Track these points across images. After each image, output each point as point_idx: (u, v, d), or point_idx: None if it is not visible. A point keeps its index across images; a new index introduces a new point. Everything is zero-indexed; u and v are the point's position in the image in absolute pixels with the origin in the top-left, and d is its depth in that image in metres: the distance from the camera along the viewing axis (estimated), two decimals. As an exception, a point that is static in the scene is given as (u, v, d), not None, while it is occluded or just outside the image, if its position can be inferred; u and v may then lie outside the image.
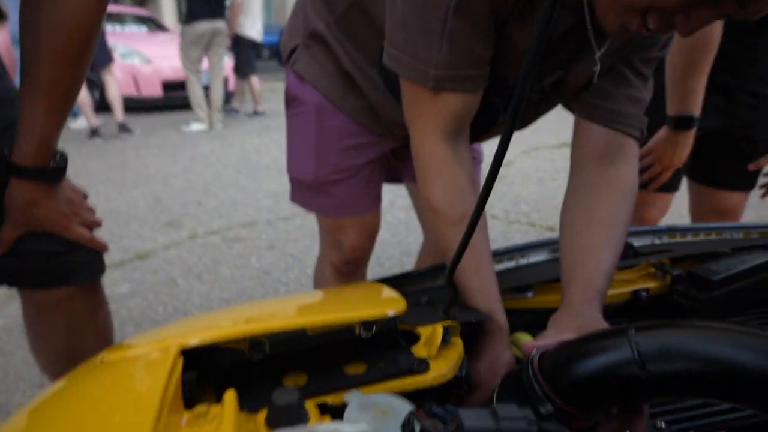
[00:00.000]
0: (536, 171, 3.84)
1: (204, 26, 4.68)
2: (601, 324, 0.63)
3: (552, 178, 3.61)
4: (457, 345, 0.58)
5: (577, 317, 0.65)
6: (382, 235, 2.66)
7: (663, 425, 0.55)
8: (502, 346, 0.67)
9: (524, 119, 0.87)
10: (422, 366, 0.52)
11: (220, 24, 4.79)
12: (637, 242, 0.99)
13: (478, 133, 0.85)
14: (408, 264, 2.34)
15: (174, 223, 2.83)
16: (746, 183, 1.36)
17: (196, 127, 5.20)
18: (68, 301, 0.91)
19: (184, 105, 5.59)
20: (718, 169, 1.38)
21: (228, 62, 6.53)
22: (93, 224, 0.87)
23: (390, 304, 0.56)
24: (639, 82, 0.76)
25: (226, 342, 0.48)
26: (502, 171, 3.83)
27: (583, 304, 0.66)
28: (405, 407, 0.44)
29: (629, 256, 0.92)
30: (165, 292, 2.09)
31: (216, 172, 3.80)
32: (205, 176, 3.68)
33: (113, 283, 2.14)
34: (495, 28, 0.65)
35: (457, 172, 0.70)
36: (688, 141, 1.21)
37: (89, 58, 0.69)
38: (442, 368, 0.53)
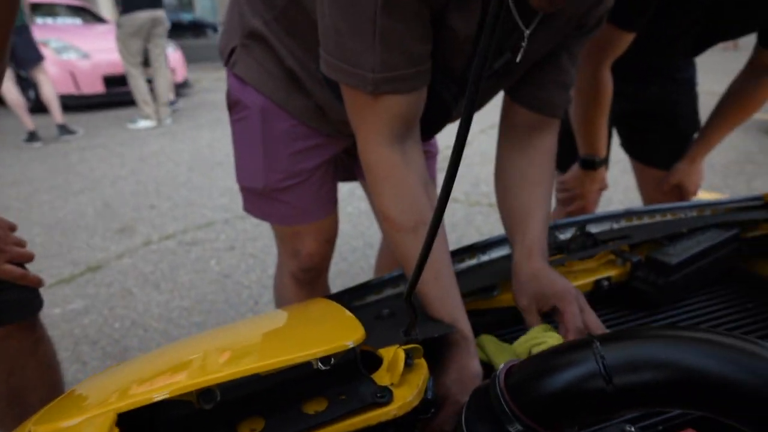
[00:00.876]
0: (494, 149, 3.82)
1: (143, 16, 4.42)
2: (556, 276, 0.73)
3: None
4: (421, 367, 0.55)
5: (539, 277, 0.73)
6: (344, 228, 2.63)
7: (632, 429, 0.54)
8: (468, 356, 0.65)
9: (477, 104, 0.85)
10: (385, 396, 0.49)
11: (159, 13, 4.54)
12: (595, 229, 0.99)
13: (432, 130, 0.82)
14: (371, 256, 2.31)
15: (126, 229, 2.70)
16: (673, 162, 1.38)
17: (143, 124, 4.96)
18: (3, 341, 0.85)
19: (129, 101, 5.31)
20: (648, 147, 1.42)
21: (174, 52, 6.25)
22: (24, 258, 0.80)
23: (348, 332, 0.53)
24: (570, 66, 0.78)
25: (173, 396, 0.44)
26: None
27: (541, 260, 0.76)
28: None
29: (589, 245, 0.92)
30: (121, 305, 2.00)
31: (167, 171, 3.64)
32: (156, 176, 3.53)
33: (64, 301, 2.03)
34: (431, 20, 0.62)
35: (407, 177, 0.67)
36: (597, 177, 1.34)
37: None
38: (406, 396, 0.50)
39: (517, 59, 0.69)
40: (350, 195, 2.96)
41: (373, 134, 0.66)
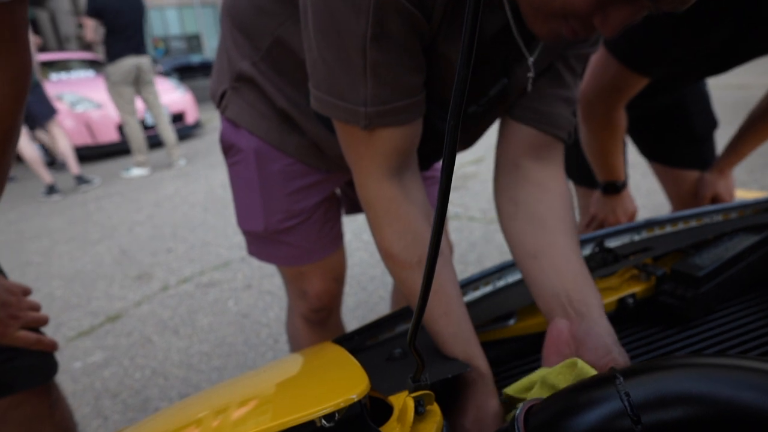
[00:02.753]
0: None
1: (128, 63, 4.44)
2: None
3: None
4: (434, 414, 0.51)
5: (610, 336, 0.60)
6: (361, 256, 2.60)
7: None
8: (485, 395, 0.61)
9: (473, 134, 0.81)
10: (396, 452, 0.45)
11: (143, 60, 4.56)
12: (614, 243, 0.95)
13: (429, 160, 0.79)
14: (390, 284, 2.27)
15: (144, 275, 2.71)
16: (696, 162, 1.33)
17: (136, 172, 4.97)
18: (18, 409, 0.83)
19: (151, 144, 5.43)
20: (664, 148, 1.38)
21: (184, 94, 6.39)
22: (38, 323, 0.79)
23: (352, 384, 0.49)
24: (571, 81, 0.73)
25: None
26: (473, 168, 3.80)
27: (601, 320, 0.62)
28: None
29: (609, 261, 0.88)
30: (141, 354, 1.99)
31: (183, 213, 3.68)
32: (172, 220, 3.56)
33: (85, 353, 2.02)
34: (422, 49, 0.60)
35: (407, 212, 0.64)
36: (624, 199, 1.27)
37: (10, 156, 0.64)
38: (420, 449, 0.46)
39: (528, 89, 0.67)
40: (366, 223, 2.94)
41: (369, 169, 0.64)
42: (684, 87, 1.26)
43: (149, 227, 3.46)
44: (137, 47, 4.47)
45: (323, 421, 0.47)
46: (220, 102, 0.90)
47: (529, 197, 0.72)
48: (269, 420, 0.44)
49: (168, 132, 5.02)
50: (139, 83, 4.64)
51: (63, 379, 1.85)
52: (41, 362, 0.84)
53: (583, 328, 0.61)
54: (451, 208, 3.09)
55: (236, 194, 0.95)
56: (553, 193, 0.72)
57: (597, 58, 1.06)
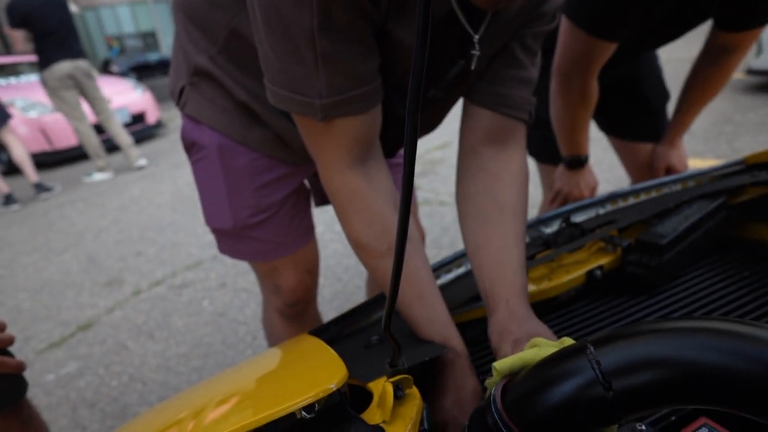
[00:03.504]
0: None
1: (63, 67, 4.22)
2: (541, 326, 0.63)
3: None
4: (414, 397, 0.52)
5: (525, 322, 0.62)
6: (335, 247, 2.59)
7: (644, 428, 0.51)
8: (463, 375, 0.62)
9: (435, 118, 0.81)
10: (378, 437, 0.46)
11: (81, 63, 4.34)
12: (580, 217, 0.97)
13: (393, 147, 0.79)
14: (365, 273, 2.27)
15: (114, 281, 2.64)
16: (650, 134, 1.38)
17: (98, 176, 4.81)
18: None
19: (109, 147, 5.25)
20: (620, 122, 1.42)
21: (143, 94, 6.20)
22: (1, 344, 0.76)
23: (330, 374, 0.49)
24: (528, 61, 0.73)
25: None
26: (440, 154, 3.82)
27: (522, 306, 0.65)
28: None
29: (576, 235, 0.90)
30: (117, 361, 1.94)
31: (150, 215, 3.59)
32: (139, 222, 3.47)
33: (57, 365, 1.97)
34: (374, 34, 0.59)
35: (374, 201, 0.64)
36: (587, 173, 1.30)
37: None
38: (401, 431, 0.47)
39: (472, 67, 0.67)
40: (336, 213, 2.92)
41: (331, 160, 0.64)
42: (643, 53, 1.29)
43: (116, 232, 3.36)
44: (70, 50, 4.24)
45: (303, 412, 0.47)
46: (179, 99, 0.87)
47: (480, 190, 0.73)
48: (249, 416, 0.44)
49: (121, 135, 4.81)
50: (81, 87, 4.43)
51: (36, 393, 1.79)
52: (7, 385, 0.80)
53: (491, 330, 0.65)
54: (421, 194, 3.10)
55: (202, 192, 0.93)
56: (505, 182, 0.73)
57: (564, 32, 1.08)
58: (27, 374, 0.83)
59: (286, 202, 0.92)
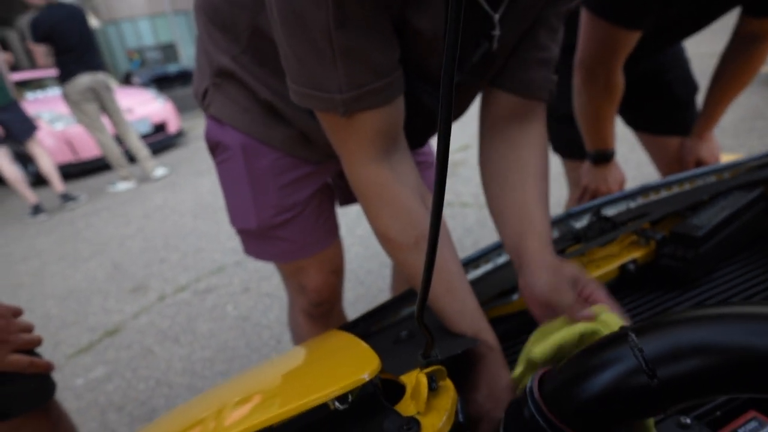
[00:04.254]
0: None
1: (83, 81, 4.31)
2: (573, 268, 0.64)
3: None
4: (448, 389, 0.50)
5: (555, 270, 0.64)
6: (357, 251, 2.59)
7: (689, 421, 0.49)
8: (497, 368, 0.60)
9: (461, 105, 0.80)
10: (412, 428, 0.45)
11: (100, 76, 4.43)
12: (611, 211, 0.94)
13: (420, 138, 0.78)
14: (388, 276, 2.27)
15: (139, 288, 2.68)
16: (679, 128, 1.34)
17: (122, 186, 4.91)
18: None
19: (129, 157, 5.36)
20: (649, 116, 1.39)
21: (164, 104, 6.31)
22: (31, 344, 0.77)
23: (362, 364, 0.48)
24: (552, 42, 0.72)
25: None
26: (461, 156, 3.80)
27: (551, 255, 0.67)
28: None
29: (607, 229, 0.88)
30: (143, 365, 1.96)
31: (173, 223, 3.64)
32: (162, 230, 3.53)
33: (86, 370, 2.00)
34: (393, 25, 0.58)
35: (400, 193, 0.63)
36: (614, 168, 1.29)
37: None
38: (436, 423, 0.46)
39: (493, 47, 0.66)
40: (358, 217, 2.93)
41: (356, 154, 0.63)
42: (668, 46, 1.26)
43: (140, 240, 3.42)
44: (90, 64, 4.34)
45: (336, 403, 0.46)
46: (203, 100, 0.88)
47: (501, 155, 0.75)
48: (281, 406, 0.43)
49: (137, 146, 4.88)
50: (100, 99, 4.52)
51: (66, 397, 1.82)
52: (37, 385, 0.81)
53: (522, 284, 0.66)
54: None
55: (226, 193, 0.94)
56: (527, 148, 0.74)
57: (585, 24, 1.06)
58: (57, 378, 0.84)
59: (311, 201, 0.92)
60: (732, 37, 1.15)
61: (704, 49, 3.56)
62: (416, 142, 0.74)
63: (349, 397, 0.46)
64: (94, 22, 4.55)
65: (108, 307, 2.52)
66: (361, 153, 0.63)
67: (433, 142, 1.00)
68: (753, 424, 0.48)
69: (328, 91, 0.58)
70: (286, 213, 0.90)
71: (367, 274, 2.33)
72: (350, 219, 2.90)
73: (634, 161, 2.93)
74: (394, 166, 0.64)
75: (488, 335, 0.62)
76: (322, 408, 0.46)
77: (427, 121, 0.72)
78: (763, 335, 0.33)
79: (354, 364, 0.50)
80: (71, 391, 1.87)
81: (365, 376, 0.46)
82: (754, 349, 0.33)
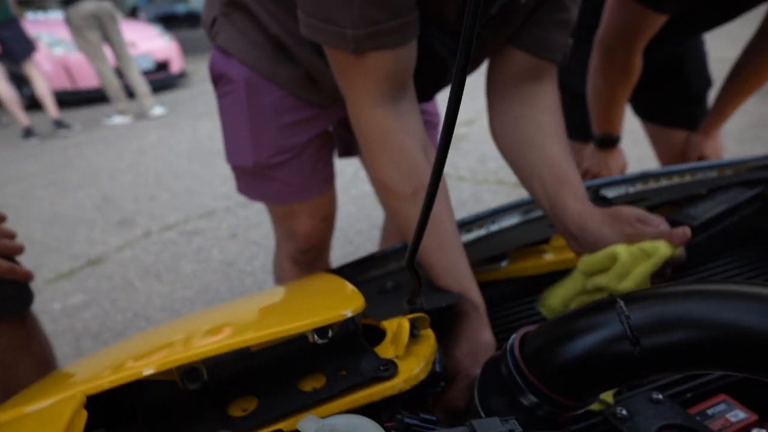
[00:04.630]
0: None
1: (87, 7, 4.17)
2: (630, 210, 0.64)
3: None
4: (428, 338, 0.50)
5: (613, 218, 0.63)
6: (348, 210, 2.58)
7: (660, 397, 0.49)
8: (479, 326, 0.60)
9: (477, 59, 0.78)
10: (389, 370, 0.44)
11: (105, 4, 4.30)
12: (610, 193, 0.94)
13: (429, 90, 0.76)
14: (378, 237, 2.26)
15: (126, 222, 2.66)
16: (688, 121, 1.33)
17: (118, 119, 4.82)
18: None
19: (129, 92, 5.25)
20: (659, 106, 1.37)
21: (170, 43, 6.15)
22: (12, 251, 0.76)
23: (346, 302, 0.48)
24: (572, 2, 0.71)
25: (150, 375, 0.40)
26: (465, 130, 3.76)
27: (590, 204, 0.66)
28: (370, 428, 0.36)
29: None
30: (123, 297, 1.97)
31: (167, 162, 3.60)
32: (155, 168, 3.48)
33: (65, 295, 2.00)
34: None
35: (403, 141, 0.62)
36: (618, 153, 1.29)
37: None
38: (413, 368, 0.46)
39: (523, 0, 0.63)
40: (354, 177, 2.91)
41: (363, 96, 0.62)
42: (690, 35, 1.24)
43: (132, 175, 3.38)
44: None
45: (316, 336, 0.45)
46: (211, 29, 0.85)
47: (518, 117, 0.73)
48: (257, 330, 0.43)
49: (138, 82, 4.78)
50: (104, 29, 4.38)
51: (42, 320, 1.82)
52: (15, 292, 0.81)
53: (578, 233, 0.65)
54: (441, 168, 3.07)
55: (225, 127, 0.92)
56: (542, 109, 0.73)
57: (612, 2, 1.03)
58: (35, 302, 0.84)
59: (310, 145, 0.91)
60: (755, 35, 1.13)
61: (720, 54, 3.52)
62: (426, 93, 0.72)
63: (330, 332, 0.46)
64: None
65: (93, 237, 2.51)
66: (368, 96, 0.61)
67: (441, 102, 0.97)
68: (722, 406, 0.48)
69: (341, 25, 0.56)
70: (284, 154, 0.88)
71: (357, 234, 2.33)
72: (345, 180, 2.88)
73: (636, 155, 2.91)
74: (401, 113, 0.63)
75: (474, 294, 0.62)
76: (302, 339, 0.46)
77: (439, 72, 0.70)
78: (750, 314, 0.33)
79: (338, 301, 0.49)
80: (48, 314, 1.87)
81: (348, 312, 0.45)
82: (739, 327, 0.33)
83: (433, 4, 0.61)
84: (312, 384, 0.45)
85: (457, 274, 0.63)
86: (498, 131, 0.76)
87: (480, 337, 0.59)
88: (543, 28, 0.70)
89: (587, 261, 0.61)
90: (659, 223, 0.61)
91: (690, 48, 1.30)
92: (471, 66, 0.79)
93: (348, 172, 2.93)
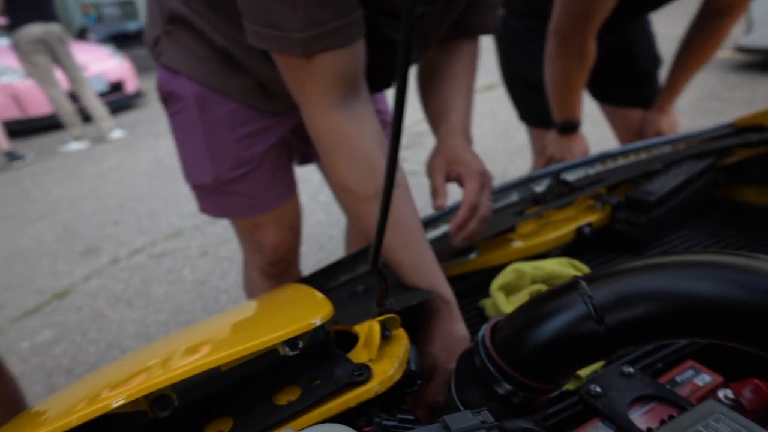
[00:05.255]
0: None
1: (34, 30, 4.02)
2: (472, 155, 0.77)
3: (478, 124, 3.60)
4: (401, 338, 0.50)
5: (456, 148, 0.76)
6: (319, 217, 2.56)
7: (631, 370, 0.50)
8: (451, 321, 0.61)
9: (427, 39, 0.78)
10: (363, 374, 0.44)
11: (53, 27, 4.15)
12: (571, 176, 0.96)
13: (384, 79, 0.75)
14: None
15: (91, 250, 2.58)
16: (641, 100, 1.37)
17: (75, 146, 4.66)
18: None
19: (85, 117, 5.09)
20: (613, 88, 1.41)
21: (122, 62, 5.98)
22: None
23: (314, 310, 0.47)
24: None
25: (116, 408, 0.38)
26: (426, 125, 3.78)
27: (463, 139, 0.79)
28: (348, 436, 0.36)
29: (566, 193, 0.89)
30: (94, 328, 1.90)
31: (129, 184, 3.51)
32: (117, 192, 3.39)
33: (32, 333, 1.92)
34: None
35: (360, 142, 0.62)
36: (580, 139, 1.31)
37: None
38: (387, 370, 0.45)
39: None
40: (321, 183, 2.88)
41: (315, 100, 0.61)
42: (639, 16, 1.28)
43: (93, 201, 3.28)
44: (42, 13, 4.05)
45: (287, 349, 0.45)
46: (155, 48, 0.84)
47: (443, 58, 0.82)
48: (226, 349, 0.42)
49: (93, 105, 4.63)
50: (53, 52, 4.24)
51: (10, 361, 1.75)
52: None
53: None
54: (408, 166, 3.08)
55: (180, 146, 0.90)
56: (461, 50, 0.82)
57: None
58: (0, 342, 0.80)
59: (269, 155, 0.89)
60: (698, 12, 1.17)
61: (669, 32, 3.64)
62: (381, 82, 0.72)
63: (300, 343, 0.45)
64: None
65: (57, 269, 2.42)
66: (321, 99, 0.61)
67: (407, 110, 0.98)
68: (690, 372, 0.49)
69: (287, 29, 0.56)
70: (243, 167, 0.87)
71: (328, 240, 2.32)
72: (312, 186, 2.86)
73: (596, 137, 2.98)
74: (355, 114, 0.62)
75: (444, 289, 0.62)
76: (272, 353, 0.45)
77: (392, 58, 0.69)
78: (703, 281, 0.34)
79: (306, 310, 0.49)
80: (16, 354, 1.80)
81: (317, 320, 0.45)
82: (694, 295, 0.34)
83: None
84: (287, 397, 0.44)
85: (425, 270, 0.63)
86: (417, 77, 0.85)
87: (453, 332, 0.59)
88: (477, 13, 0.74)
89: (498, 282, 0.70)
90: (467, 191, 0.74)
91: (637, 29, 1.34)
92: (422, 45, 0.79)
93: (314, 179, 2.91)
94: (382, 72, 0.70)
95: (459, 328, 0.60)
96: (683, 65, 1.24)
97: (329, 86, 0.60)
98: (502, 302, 0.67)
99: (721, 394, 0.43)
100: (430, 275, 0.63)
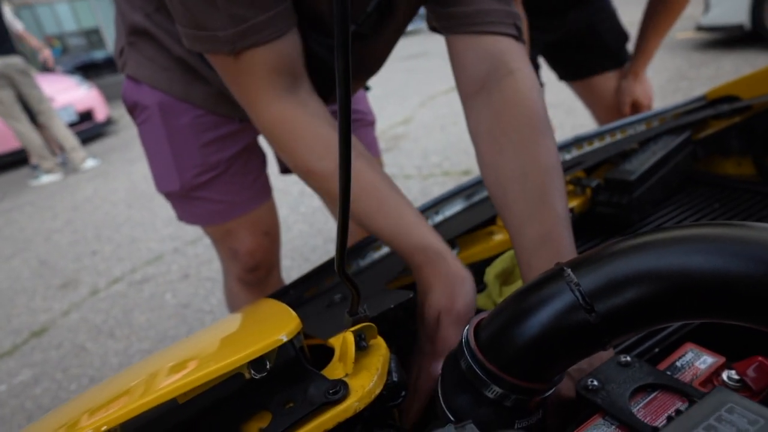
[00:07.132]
0: (436, 120, 3.81)
1: None
2: None
3: (453, 122, 3.60)
4: (379, 347, 0.46)
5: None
6: (301, 228, 2.51)
7: (629, 359, 0.47)
8: (447, 264, 0.55)
9: (371, 59, 0.75)
10: (339, 391, 0.40)
11: (13, 60, 4.05)
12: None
13: (328, 93, 0.71)
14: (333, 251, 2.21)
15: (69, 283, 2.50)
16: (611, 61, 1.36)
17: (46, 179, 4.55)
18: None
19: (59, 147, 4.97)
20: (582, 65, 1.40)
21: (89, 91, 5.88)
22: None
23: (279, 326, 0.43)
24: None
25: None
26: (402, 129, 3.76)
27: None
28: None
29: (544, 179, 0.86)
30: (75, 364, 1.83)
31: (105, 213, 3.42)
32: (93, 222, 3.30)
33: (10, 375, 1.84)
34: None
35: (310, 122, 0.59)
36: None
37: None
38: (365, 384, 0.41)
39: None
40: (301, 194, 2.85)
41: (255, 97, 0.59)
42: None
43: (69, 233, 3.19)
44: (1, 47, 3.95)
45: (252, 371, 0.41)
46: (120, 60, 0.85)
47: (491, 120, 0.62)
48: (184, 378, 0.37)
49: (64, 136, 4.53)
50: (16, 86, 4.12)
51: (-12, 406, 1.67)
52: None
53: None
54: (387, 169, 3.03)
55: (149, 155, 0.90)
56: (512, 102, 0.61)
57: None
58: None
59: (236, 160, 0.89)
60: None
61: (627, 18, 3.68)
62: (325, 97, 0.67)
63: (267, 363, 0.41)
64: (5, 6, 4.14)
65: (34, 306, 2.34)
66: (260, 93, 0.59)
67: (372, 98, 0.95)
68: (690, 356, 0.46)
69: (212, 29, 0.55)
70: (210, 172, 0.87)
71: (312, 251, 2.27)
72: (293, 199, 2.81)
73: (569, 125, 2.99)
74: (301, 101, 0.60)
75: (432, 240, 0.57)
76: (237, 378, 0.41)
77: (325, 75, 0.65)
78: (694, 255, 0.31)
79: (271, 326, 0.45)
80: (-6, 398, 1.72)
81: (282, 336, 0.41)
82: (687, 272, 0.31)
83: (306, 3, 0.59)
84: (257, 425, 0.40)
85: (408, 226, 0.58)
86: (475, 146, 0.65)
87: (450, 274, 0.55)
88: (472, 2, 0.62)
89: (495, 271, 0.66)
90: None
91: (597, 9, 1.33)
92: (367, 67, 0.76)
93: (294, 191, 2.87)
94: (320, 86, 0.65)
95: (456, 268, 0.55)
96: (652, 27, 1.24)
97: (266, 80, 0.58)
98: (496, 294, 0.64)
99: (725, 375, 0.40)
100: (415, 229, 0.58)
